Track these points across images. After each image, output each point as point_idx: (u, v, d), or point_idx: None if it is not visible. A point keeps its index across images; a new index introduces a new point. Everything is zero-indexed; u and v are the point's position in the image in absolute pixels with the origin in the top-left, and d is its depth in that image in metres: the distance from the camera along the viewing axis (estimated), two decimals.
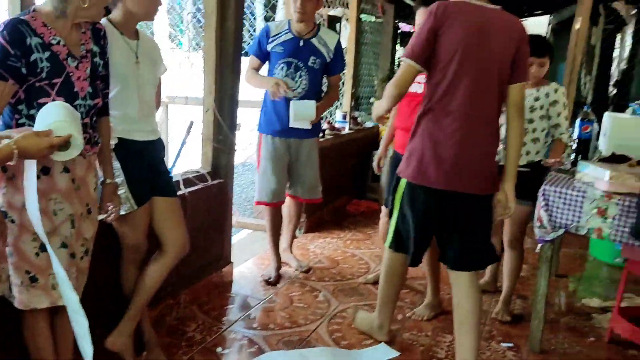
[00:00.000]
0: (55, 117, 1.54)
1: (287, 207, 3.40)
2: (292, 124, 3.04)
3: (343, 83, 4.97)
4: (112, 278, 2.25)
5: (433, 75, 2.14)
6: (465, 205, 2.19)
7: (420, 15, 2.68)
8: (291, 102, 3.01)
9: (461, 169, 2.14)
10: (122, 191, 2.10)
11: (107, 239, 2.16)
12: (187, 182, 2.73)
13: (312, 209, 4.22)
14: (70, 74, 1.70)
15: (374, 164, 3.36)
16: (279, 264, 3.33)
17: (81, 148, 1.57)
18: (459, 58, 2.07)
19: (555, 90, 2.77)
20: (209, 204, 2.87)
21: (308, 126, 3.09)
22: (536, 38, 2.70)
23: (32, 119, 1.65)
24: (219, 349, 2.44)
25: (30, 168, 1.53)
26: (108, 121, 1.98)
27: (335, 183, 4.62)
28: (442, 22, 2.06)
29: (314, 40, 3.11)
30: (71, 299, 1.63)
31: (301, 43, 3.06)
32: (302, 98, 3.07)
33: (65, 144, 1.52)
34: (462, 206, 2.18)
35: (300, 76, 3.08)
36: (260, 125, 3.21)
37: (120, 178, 2.09)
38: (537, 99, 2.77)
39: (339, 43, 3.21)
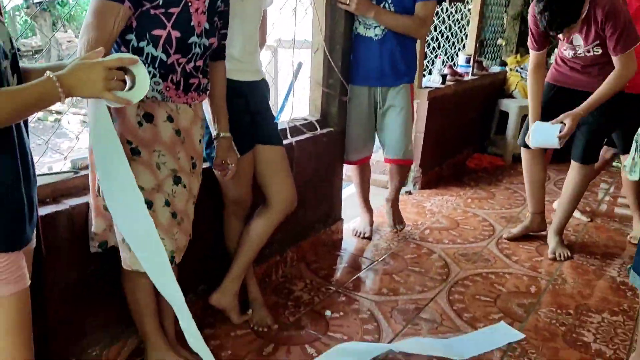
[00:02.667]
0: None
1: (388, 167, 3.02)
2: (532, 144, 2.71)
3: (468, 22, 4.41)
4: (216, 230, 2.10)
5: None
6: None
7: None
8: (535, 124, 2.65)
9: None
10: None
11: (211, 191, 2.00)
12: (295, 130, 2.50)
13: (429, 164, 3.84)
14: (189, 4, 1.48)
15: None
16: (371, 218, 3.04)
17: (147, 85, 1.25)
18: None
19: None
20: (318, 156, 2.63)
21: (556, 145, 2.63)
22: None
23: (141, 53, 1.47)
24: (327, 313, 2.23)
25: (99, 109, 1.29)
26: (224, 66, 1.76)
27: (455, 135, 4.18)
28: None
29: None
30: (158, 274, 1.43)
31: None
32: (383, 39, 2.61)
33: (123, 76, 1.21)
34: None
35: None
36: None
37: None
38: None
39: None
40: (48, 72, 1.09)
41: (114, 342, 1.77)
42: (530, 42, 2.68)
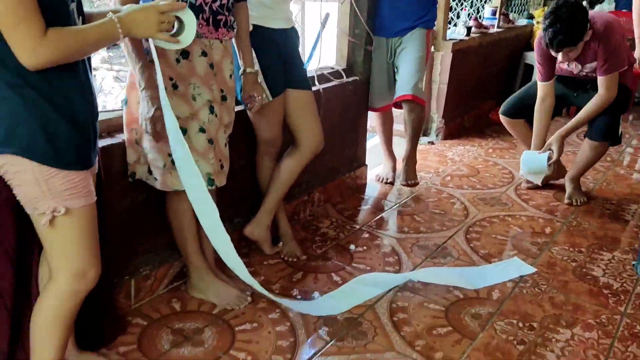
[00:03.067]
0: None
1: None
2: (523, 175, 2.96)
3: None
4: (250, 169, 2.28)
5: None
6: None
7: None
8: (523, 154, 2.85)
9: None
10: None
11: (245, 134, 2.17)
12: (322, 78, 2.63)
13: (452, 115, 3.93)
14: None
15: None
16: (394, 164, 3.17)
17: (194, 31, 1.39)
18: None
19: None
20: (344, 103, 2.76)
21: (538, 181, 2.93)
22: None
23: None
24: (352, 247, 2.42)
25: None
26: (246, 7, 1.89)
27: (479, 87, 4.24)
28: None
29: None
30: (193, 188, 1.62)
31: None
32: None
33: (174, 20, 1.35)
34: None
35: None
36: None
37: (255, 67, 2.04)
38: None
39: None
40: (110, 14, 1.25)
41: (162, 264, 1.99)
42: (537, 72, 2.81)
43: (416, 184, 3.08)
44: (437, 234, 2.57)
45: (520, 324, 1.94)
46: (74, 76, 1.25)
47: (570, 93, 2.90)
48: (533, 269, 2.28)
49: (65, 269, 1.32)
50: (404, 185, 3.06)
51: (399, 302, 2.03)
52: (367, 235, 2.54)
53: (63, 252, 1.31)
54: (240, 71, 1.95)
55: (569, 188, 2.98)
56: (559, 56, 2.59)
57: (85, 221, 1.32)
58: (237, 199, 2.27)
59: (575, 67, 2.74)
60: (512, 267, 2.30)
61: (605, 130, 2.78)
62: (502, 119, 3.10)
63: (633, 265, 2.32)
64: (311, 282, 2.15)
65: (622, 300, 2.11)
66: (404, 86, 2.84)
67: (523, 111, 2.98)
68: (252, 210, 2.26)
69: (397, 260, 2.33)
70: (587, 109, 2.71)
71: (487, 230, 2.63)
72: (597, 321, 1.97)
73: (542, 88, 2.81)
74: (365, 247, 2.43)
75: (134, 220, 1.87)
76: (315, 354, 1.74)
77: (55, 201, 1.25)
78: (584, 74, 2.75)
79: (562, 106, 2.87)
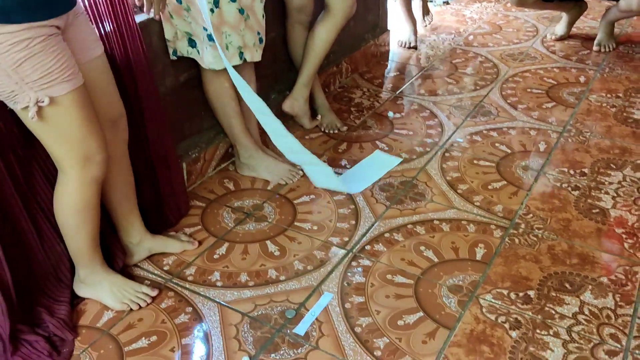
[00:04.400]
0: None
1: None
2: None
3: None
4: (282, 41, 2.15)
5: None
6: None
7: None
8: None
9: None
10: None
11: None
12: None
13: None
14: None
15: None
16: (415, 27, 3.02)
17: None
18: None
19: None
20: None
21: None
22: None
23: None
24: (390, 114, 2.36)
25: None
26: None
27: None
28: None
29: None
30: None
31: None
32: None
33: None
34: None
35: None
36: None
37: None
38: None
39: None
40: None
41: (209, 146, 1.93)
42: None
43: (432, 19, 3.30)
44: (472, 94, 2.51)
45: (572, 171, 1.95)
46: None
47: None
48: (399, 159, 2.02)
49: (68, 159, 1.21)
50: (424, 26, 3.21)
51: (449, 162, 2.02)
52: (401, 101, 2.48)
53: (61, 144, 1.19)
54: None
55: (601, 33, 2.88)
56: None
57: (78, 107, 1.16)
58: (270, 75, 2.16)
59: None
60: (382, 161, 2.02)
61: None
62: None
63: None
64: (357, 151, 2.12)
65: None
66: None
67: None
68: (288, 86, 2.17)
69: (439, 122, 2.29)
70: None
71: (521, 85, 2.57)
72: None
73: None
74: (403, 113, 2.37)
75: (177, 100, 1.77)
76: (379, 218, 1.75)
77: (35, 91, 1.09)
78: None
79: None
